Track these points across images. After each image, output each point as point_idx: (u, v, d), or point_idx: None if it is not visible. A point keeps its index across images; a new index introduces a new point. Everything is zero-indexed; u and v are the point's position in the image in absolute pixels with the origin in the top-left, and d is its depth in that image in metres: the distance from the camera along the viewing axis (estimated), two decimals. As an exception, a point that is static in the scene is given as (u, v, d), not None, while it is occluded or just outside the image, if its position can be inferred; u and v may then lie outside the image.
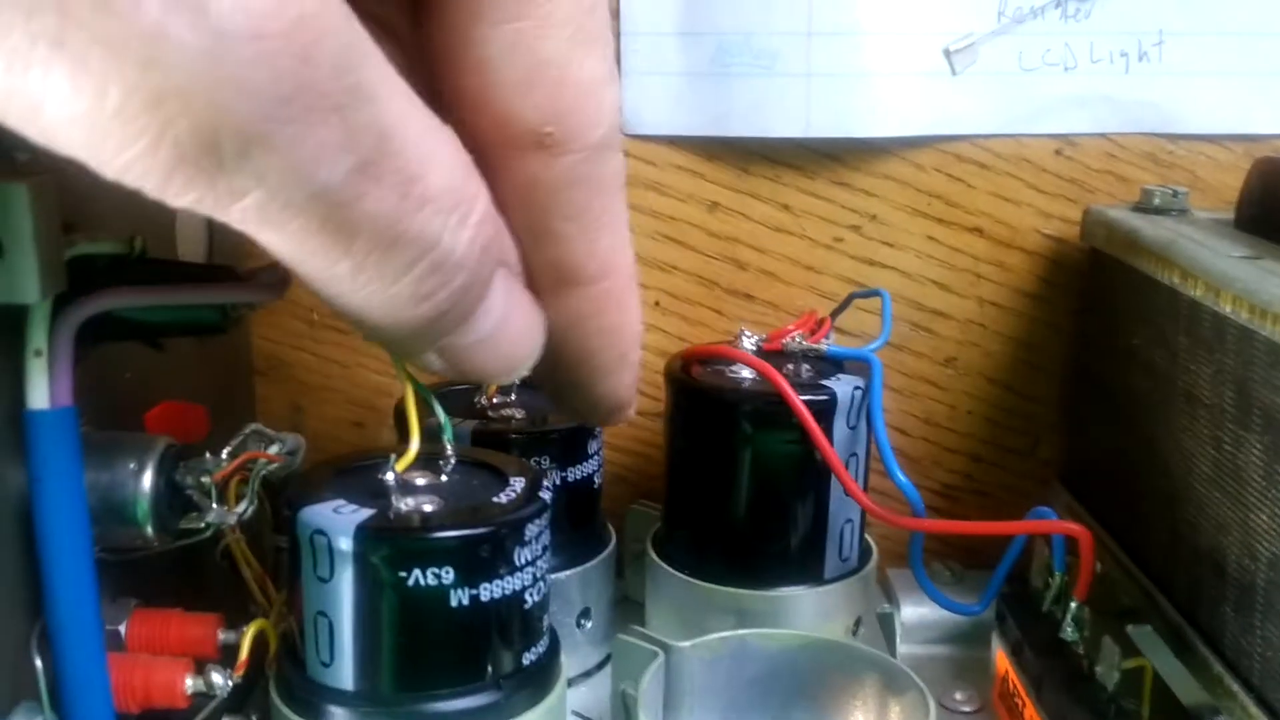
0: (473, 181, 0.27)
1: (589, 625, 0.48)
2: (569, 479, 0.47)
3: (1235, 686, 0.38)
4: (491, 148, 0.29)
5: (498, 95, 0.28)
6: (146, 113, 0.22)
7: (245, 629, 0.38)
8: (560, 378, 0.36)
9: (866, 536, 0.50)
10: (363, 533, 0.34)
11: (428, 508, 0.36)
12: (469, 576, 0.35)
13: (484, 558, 0.35)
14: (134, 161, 0.22)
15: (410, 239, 0.25)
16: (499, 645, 0.36)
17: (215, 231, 0.47)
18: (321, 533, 0.35)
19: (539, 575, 0.37)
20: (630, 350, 0.35)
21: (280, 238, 0.24)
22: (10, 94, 0.21)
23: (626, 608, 0.53)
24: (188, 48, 0.21)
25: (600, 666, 0.49)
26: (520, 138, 0.29)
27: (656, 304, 0.57)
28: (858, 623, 0.49)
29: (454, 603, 0.35)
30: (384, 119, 0.24)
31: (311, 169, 0.23)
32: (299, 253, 0.25)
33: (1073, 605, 0.43)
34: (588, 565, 0.48)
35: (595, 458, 0.48)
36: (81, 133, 0.22)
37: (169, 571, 0.41)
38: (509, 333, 0.31)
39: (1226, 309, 0.39)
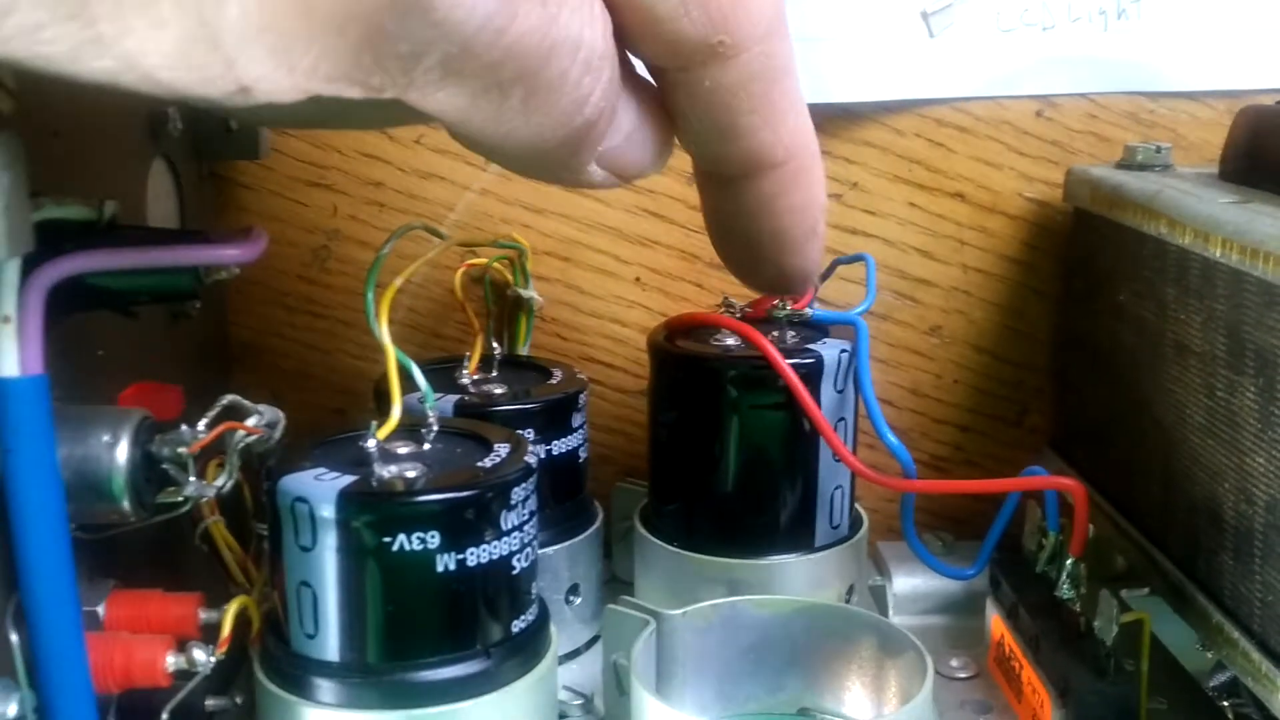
0: None
1: (578, 602, 0.47)
2: (553, 452, 0.46)
3: (1236, 634, 0.38)
4: (670, 68, 0.31)
5: (663, 26, 0.29)
6: None
7: (227, 607, 0.37)
8: (753, 254, 0.38)
9: (857, 507, 0.50)
10: (345, 498, 0.34)
11: (411, 474, 0.35)
12: (455, 541, 0.34)
13: (470, 521, 0.34)
14: (326, 52, 0.23)
15: (561, 44, 0.27)
16: (487, 613, 0.36)
17: (187, 200, 0.46)
18: (303, 500, 0.34)
19: (526, 541, 0.36)
20: (818, 223, 0.37)
21: (458, 91, 0.26)
22: (189, 37, 0.22)
23: (614, 588, 0.53)
24: None
25: (590, 644, 0.48)
26: (693, 54, 0.30)
27: (637, 280, 0.57)
28: (850, 591, 0.48)
29: (440, 568, 0.34)
30: None
31: (472, 2, 0.24)
32: (475, 101, 0.27)
33: (1068, 562, 0.42)
34: (575, 540, 0.47)
35: (580, 431, 0.48)
36: (266, 45, 0.23)
37: (147, 553, 0.40)
38: (650, 119, 0.32)
39: (1216, 253, 0.38)
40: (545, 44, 0.26)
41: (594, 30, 0.28)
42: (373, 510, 0.34)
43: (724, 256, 0.41)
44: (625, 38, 0.30)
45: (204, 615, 0.38)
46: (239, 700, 0.39)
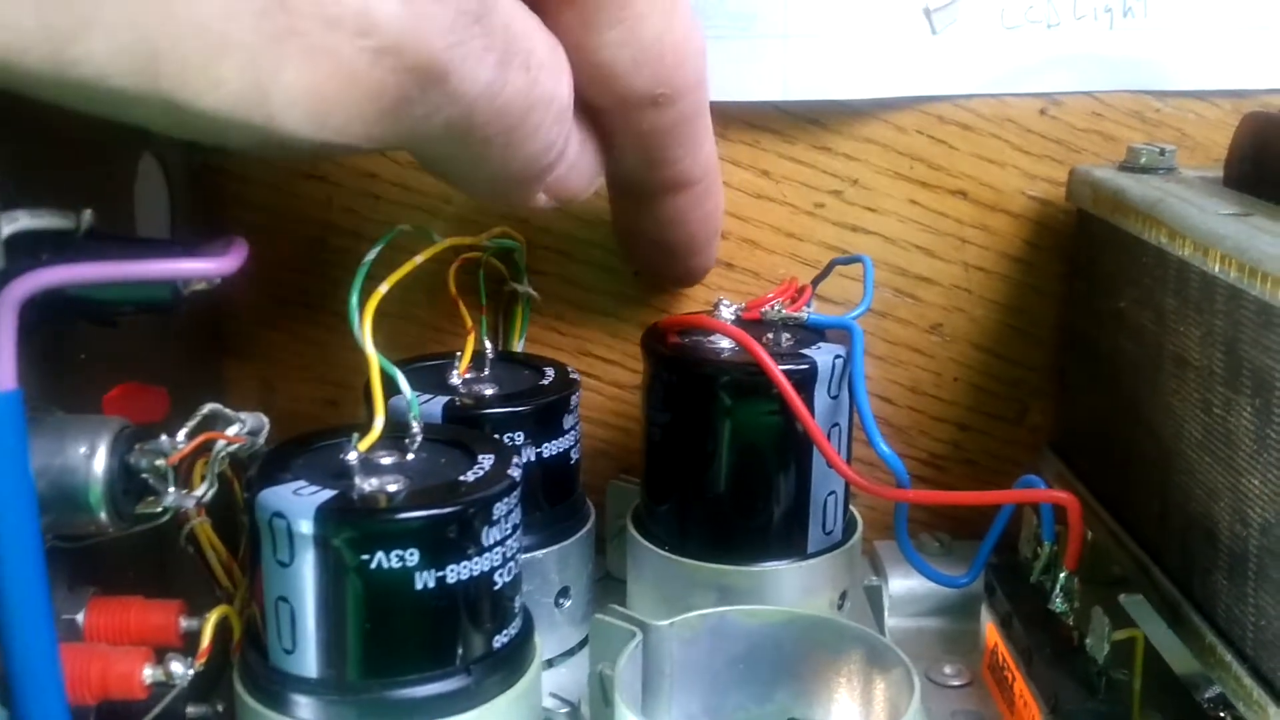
0: (554, 37, 0.33)
1: (568, 604, 0.47)
2: (544, 454, 0.46)
3: (1228, 656, 0.37)
4: (614, 113, 0.37)
5: (618, 81, 0.36)
6: (370, 70, 0.27)
7: (207, 616, 0.37)
8: (663, 257, 0.48)
9: (852, 508, 0.49)
10: (323, 514, 0.33)
11: (392, 487, 0.35)
12: (435, 558, 0.34)
13: (450, 538, 0.34)
14: (356, 115, 0.27)
15: (540, 101, 0.32)
16: (468, 629, 0.35)
17: (177, 195, 0.46)
18: (281, 515, 0.34)
19: (509, 555, 0.36)
20: (719, 226, 0.48)
21: (451, 141, 0.31)
22: (241, 96, 0.25)
23: (608, 585, 0.52)
24: (390, 10, 0.26)
25: (581, 646, 0.48)
26: (639, 103, 0.37)
27: (636, 274, 0.56)
28: (843, 596, 0.47)
29: (419, 586, 0.34)
30: (504, 14, 0.30)
31: (476, 73, 0.29)
32: (468, 151, 0.32)
33: (1062, 576, 0.42)
34: (566, 543, 0.47)
35: (572, 432, 0.47)
36: (308, 107, 0.26)
37: (132, 556, 0.40)
38: (587, 150, 0.38)
39: (1215, 268, 0.38)
40: (526, 103, 0.31)
41: (563, 87, 0.33)
42: (351, 527, 0.33)
43: (635, 259, 0.50)
44: (579, 85, 0.35)
45: (185, 623, 0.38)
46: (220, 708, 0.38)
